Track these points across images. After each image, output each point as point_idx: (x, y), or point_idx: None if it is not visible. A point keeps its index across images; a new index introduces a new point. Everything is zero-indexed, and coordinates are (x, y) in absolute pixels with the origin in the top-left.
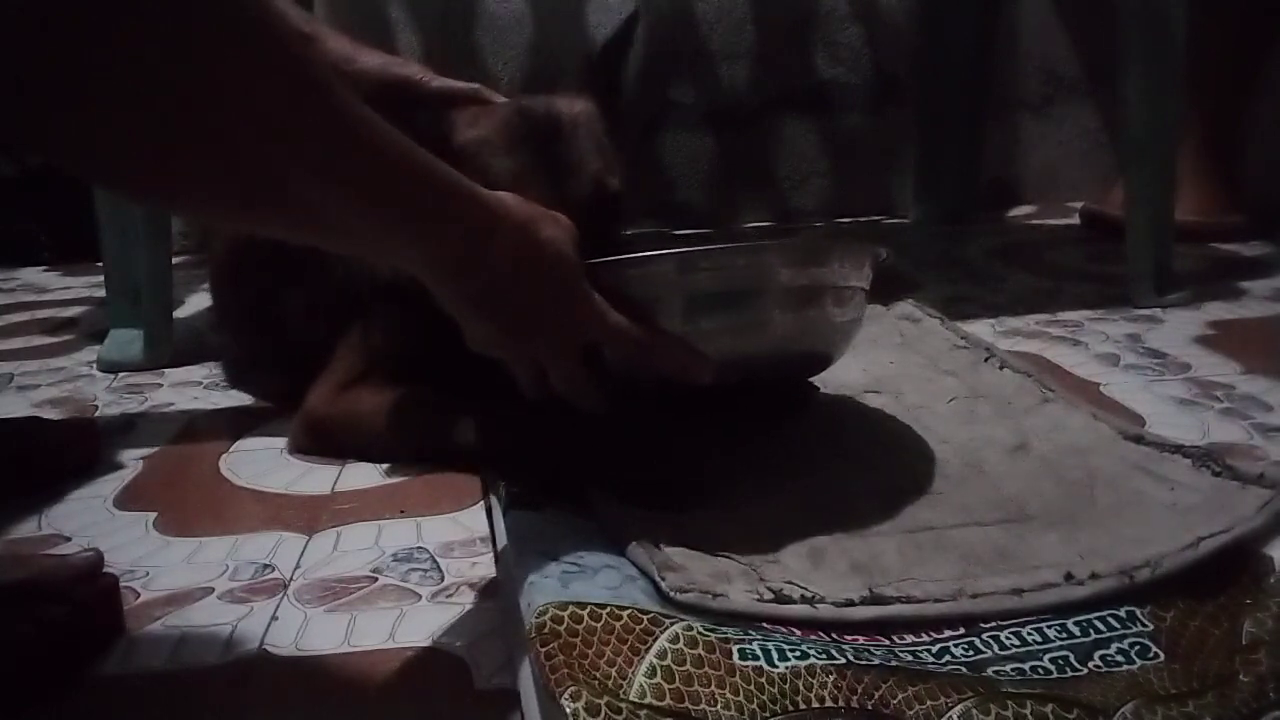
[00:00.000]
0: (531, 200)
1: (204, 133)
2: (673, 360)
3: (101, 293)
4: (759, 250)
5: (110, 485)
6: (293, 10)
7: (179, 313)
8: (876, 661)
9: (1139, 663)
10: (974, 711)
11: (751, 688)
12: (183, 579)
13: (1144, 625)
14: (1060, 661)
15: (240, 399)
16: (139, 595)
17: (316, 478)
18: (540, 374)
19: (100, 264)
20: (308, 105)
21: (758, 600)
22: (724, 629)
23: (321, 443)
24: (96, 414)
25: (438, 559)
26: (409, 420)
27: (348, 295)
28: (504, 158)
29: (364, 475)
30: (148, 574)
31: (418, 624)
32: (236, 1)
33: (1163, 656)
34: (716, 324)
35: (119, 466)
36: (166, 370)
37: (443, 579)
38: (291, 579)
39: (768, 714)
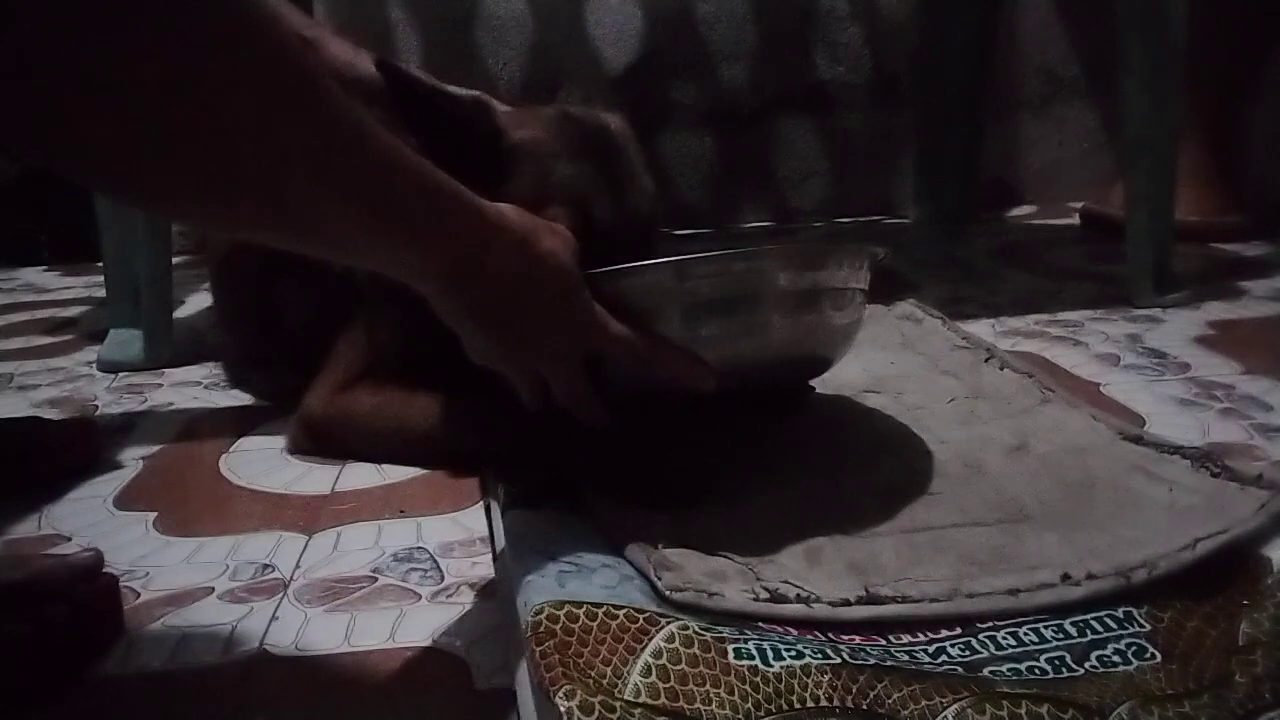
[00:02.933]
0: (593, 213)
1: (201, 137)
2: (674, 368)
3: (101, 293)
4: (756, 255)
5: (110, 485)
6: (294, 14)
7: (179, 313)
8: (872, 661)
9: (1135, 663)
10: (969, 711)
11: (746, 687)
12: (183, 579)
13: (1141, 626)
14: (1056, 662)
15: (240, 399)
16: (139, 595)
17: (316, 478)
18: (541, 386)
19: (100, 264)
20: (305, 110)
21: (754, 600)
22: (720, 628)
23: (321, 443)
24: (96, 414)
25: (438, 559)
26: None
27: (346, 294)
28: (565, 163)
29: (364, 475)
30: (148, 574)
31: (417, 624)
32: (235, 5)
33: (1159, 657)
34: (716, 331)
35: (119, 466)
36: (166, 370)
37: (443, 579)
38: (291, 579)
39: (762, 713)
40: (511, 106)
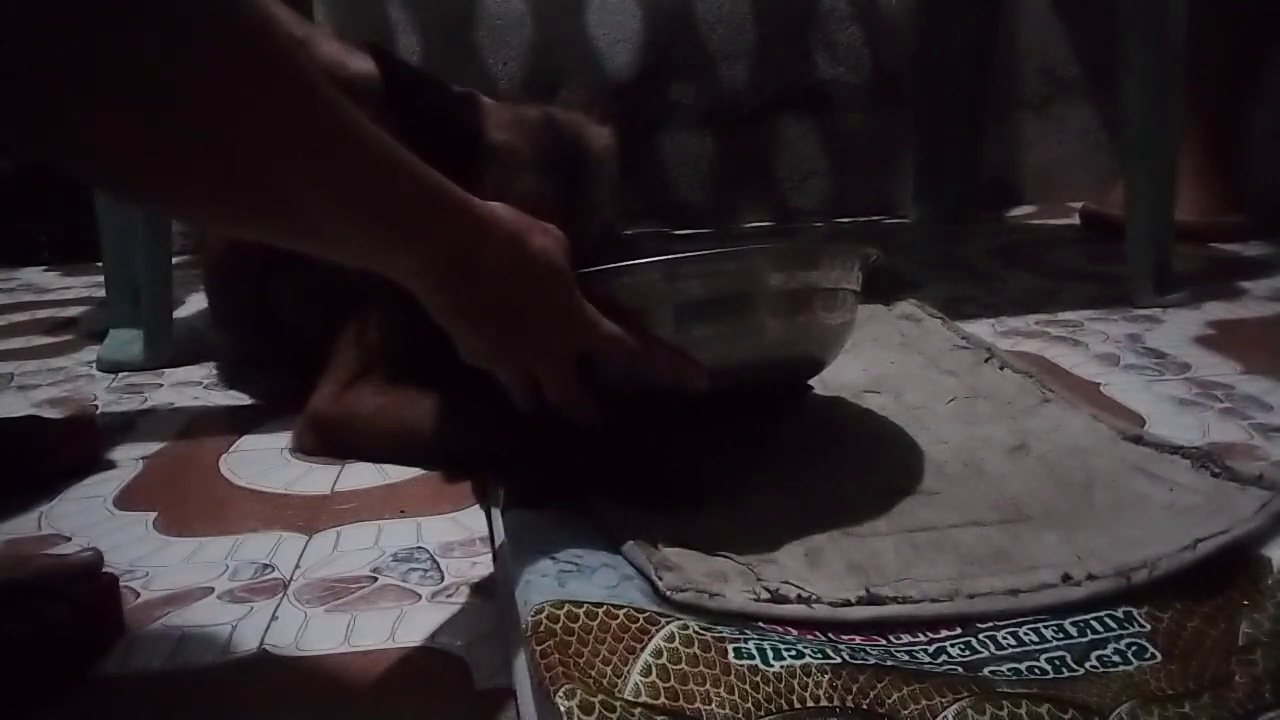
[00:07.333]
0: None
1: (196, 134)
2: (666, 368)
3: (101, 293)
4: (747, 255)
5: (110, 485)
6: (286, 14)
7: (179, 313)
8: (872, 661)
9: (1135, 663)
10: (969, 711)
11: (746, 687)
12: (183, 579)
13: (1141, 626)
14: (1056, 662)
15: (240, 399)
16: (139, 595)
17: (316, 478)
18: (534, 386)
19: (100, 264)
20: (303, 110)
21: (754, 600)
22: (720, 628)
23: (327, 443)
24: (97, 414)
25: (438, 559)
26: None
27: (344, 292)
28: (529, 176)
29: (364, 475)
30: (148, 574)
31: (417, 624)
32: (232, 6)
33: (1159, 657)
34: (707, 331)
35: (119, 466)
36: (166, 370)
37: (442, 579)
38: (291, 579)
39: (762, 713)
40: (502, 102)
